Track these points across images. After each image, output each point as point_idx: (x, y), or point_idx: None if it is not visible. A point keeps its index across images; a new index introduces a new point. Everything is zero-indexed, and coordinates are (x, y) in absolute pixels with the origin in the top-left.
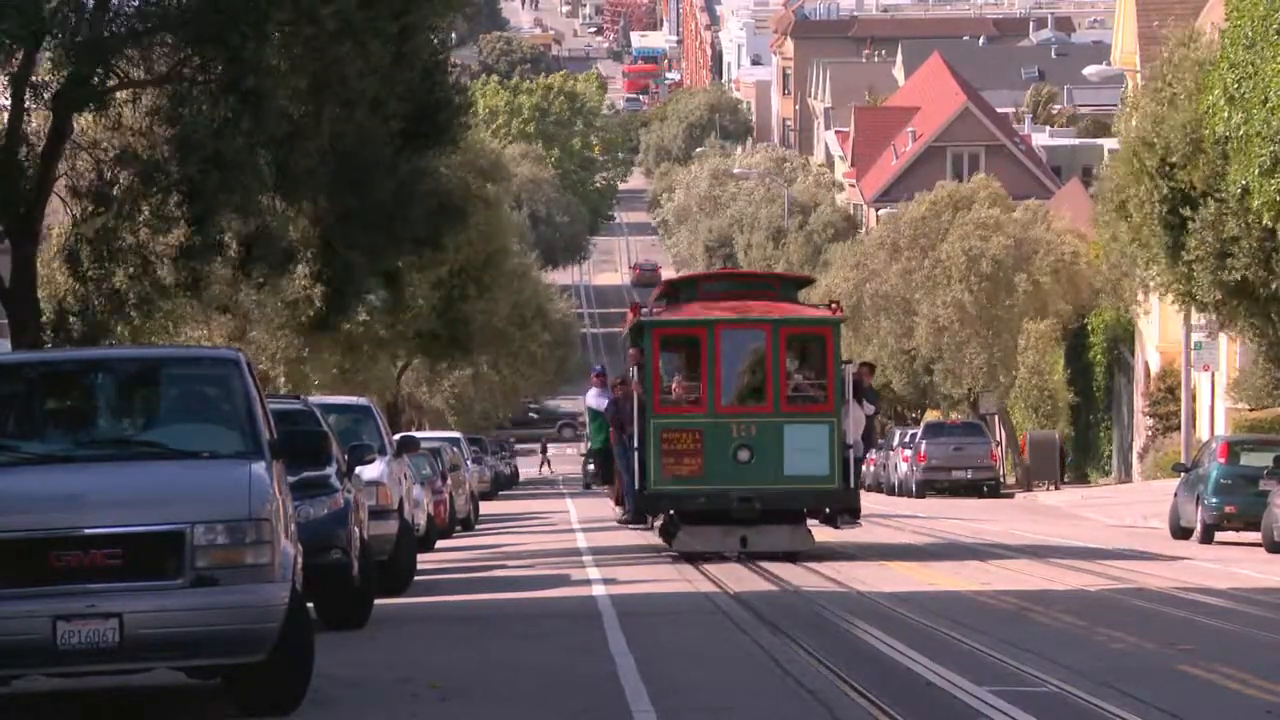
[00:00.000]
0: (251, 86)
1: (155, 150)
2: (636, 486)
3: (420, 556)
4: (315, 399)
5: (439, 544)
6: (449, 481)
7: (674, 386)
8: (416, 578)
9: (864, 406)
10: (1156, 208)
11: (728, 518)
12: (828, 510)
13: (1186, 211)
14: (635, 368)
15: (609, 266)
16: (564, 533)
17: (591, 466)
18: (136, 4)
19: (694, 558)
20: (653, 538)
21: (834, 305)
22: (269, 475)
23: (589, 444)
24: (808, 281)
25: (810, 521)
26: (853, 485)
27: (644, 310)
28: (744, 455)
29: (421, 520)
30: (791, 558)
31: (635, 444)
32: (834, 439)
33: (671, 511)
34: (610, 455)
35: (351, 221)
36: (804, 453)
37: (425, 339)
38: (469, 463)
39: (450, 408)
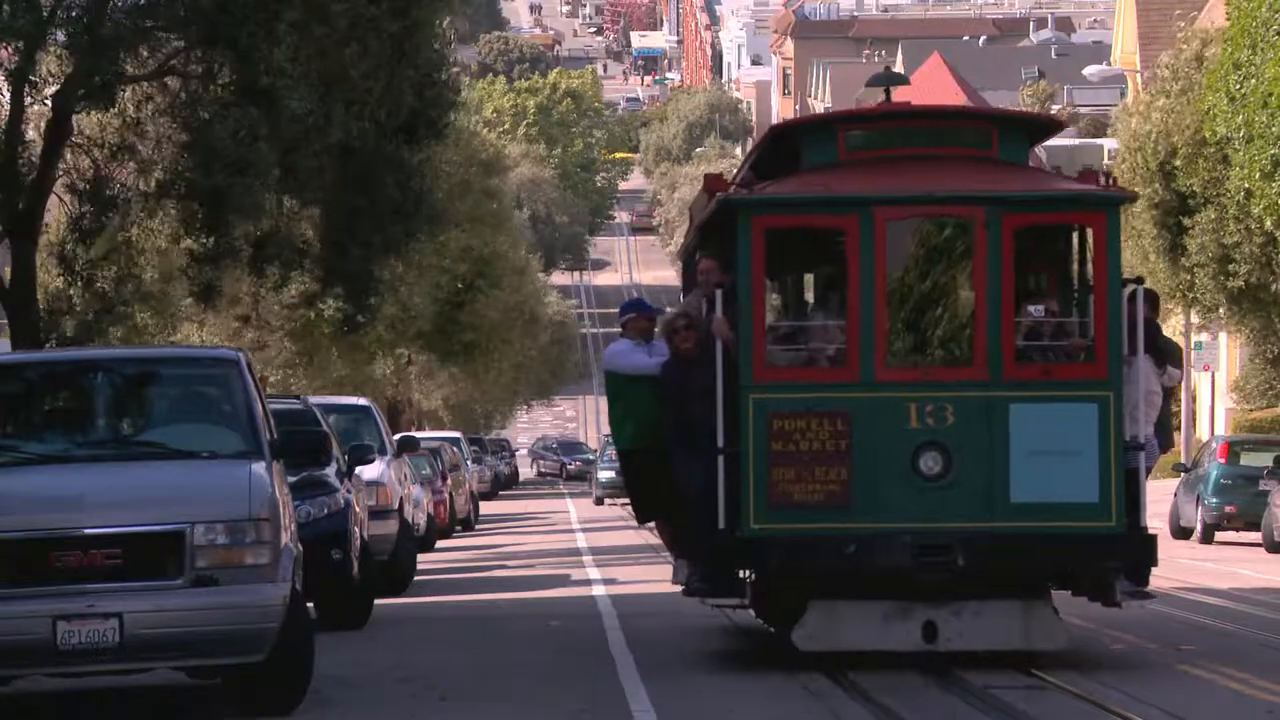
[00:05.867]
0: (265, 87)
1: (171, 156)
2: (720, 523)
3: (420, 556)
4: (315, 399)
5: (439, 544)
6: (449, 481)
7: (792, 331)
8: (416, 578)
9: (1164, 372)
10: (1154, 212)
11: (901, 585)
12: (1094, 571)
13: (1186, 221)
14: (713, 295)
15: (609, 266)
16: (564, 533)
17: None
18: (142, 1)
19: (837, 660)
20: (744, 620)
21: (1104, 175)
22: (269, 475)
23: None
24: (1051, 127)
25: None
26: (1141, 521)
27: (734, 186)
28: (931, 463)
29: (421, 520)
30: (1021, 662)
31: (716, 441)
32: (1109, 432)
33: (786, 571)
34: (659, 465)
35: (361, 218)
36: (1049, 459)
37: (427, 338)
38: (469, 463)
39: (448, 407)
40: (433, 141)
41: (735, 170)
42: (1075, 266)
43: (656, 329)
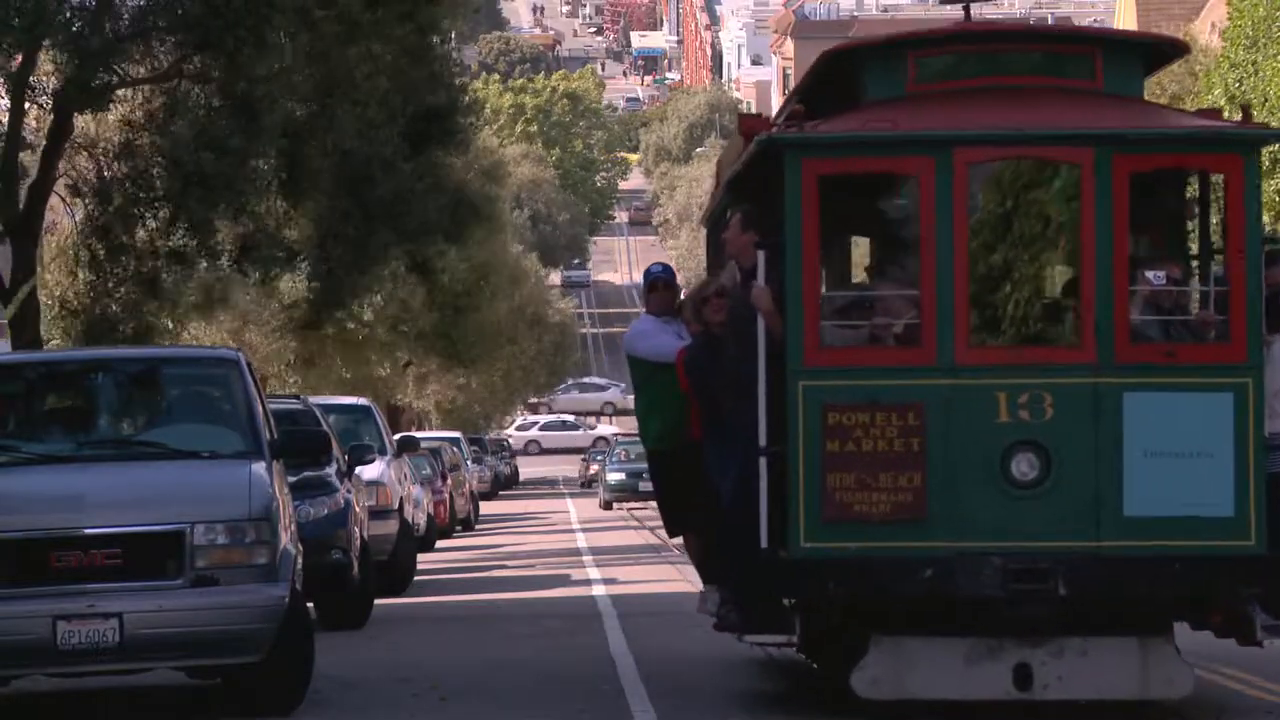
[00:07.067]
0: (244, 93)
1: (148, 159)
2: (762, 541)
3: (420, 556)
4: (315, 399)
5: (439, 544)
6: (449, 481)
7: (851, 303)
8: (416, 578)
9: None
10: None
11: (987, 618)
12: (1227, 600)
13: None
14: (747, 261)
15: (609, 266)
16: (564, 533)
17: (614, 476)
18: (140, 4)
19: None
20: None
21: (1241, 109)
22: (269, 475)
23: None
24: (1174, 50)
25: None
26: None
27: (778, 125)
28: (1025, 467)
29: (421, 520)
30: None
31: (758, 440)
32: (1246, 429)
33: (844, 600)
34: (692, 468)
35: (350, 219)
36: (1172, 462)
37: (427, 339)
38: (469, 463)
39: (438, 409)
40: (453, 149)
41: (777, 110)
42: (1199, 223)
43: (671, 300)
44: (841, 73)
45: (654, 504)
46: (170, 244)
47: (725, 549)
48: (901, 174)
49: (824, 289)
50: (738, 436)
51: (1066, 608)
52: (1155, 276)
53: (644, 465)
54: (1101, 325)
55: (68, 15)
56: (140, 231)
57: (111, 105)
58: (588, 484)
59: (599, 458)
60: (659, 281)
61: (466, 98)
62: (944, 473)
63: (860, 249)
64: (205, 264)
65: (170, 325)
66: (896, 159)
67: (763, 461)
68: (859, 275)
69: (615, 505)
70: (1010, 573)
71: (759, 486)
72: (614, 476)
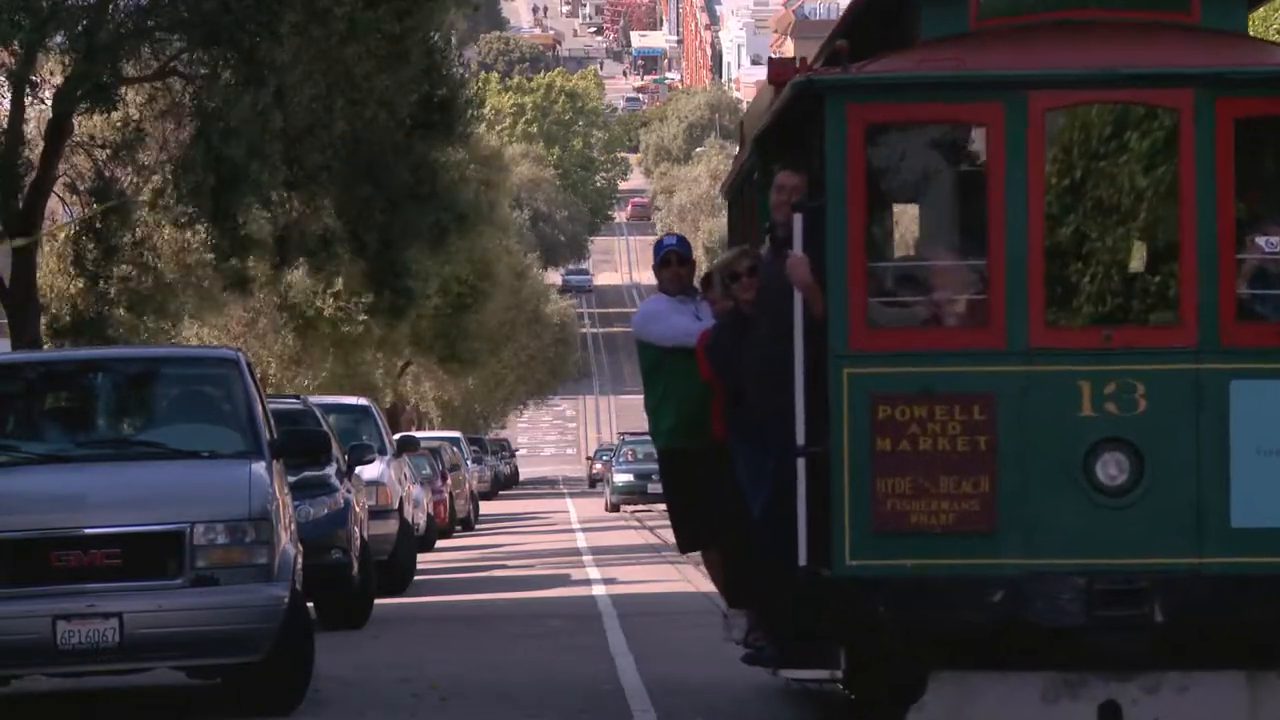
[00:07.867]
0: (277, 85)
1: (179, 147)
2: (800, 558)
3: (420, 556)
4: (315, 399)
5: (439, 544)
6: (449, 481)
7: (905, 275)
8: (416, 578)
9: None
10: None
11: (1068, 648)
12: None
13: None
14: (782, 227)
15: (609, 266)
16: (564, 533)
17: (621, 477)
18: (144, 2)
19: None
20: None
21: None
22: (269, 475)
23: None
24: None
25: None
26: None
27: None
28: (1113, 469)
29: (421, 520)
30: None
31: (794, 439)
32: None
33: (899, 627)
34: (711, 473)
35: (371, 209)
36: None
37: (425, 340)
38: (469, 463)
39: (448, 409)
40: (453, 141)
41: (816, 52)
42: None
43: (686, 276)
44: (891, 7)
45: (664, 508)
46: (208, 235)
47: (755, 567)
48: (966, 122)
49: (872, 259)
50: (770, 434)
51: (1162, 636)
52: (1269, 243)
53: (654, 465)
54: (1204, 301)
55: (72, 14)
56: (141, 227)
57: (119, 104)
58: (594, 484)
59: (605, 457)
60: (674, 255)
61: (467, 91)
62: (1017, 477)
63: (915, 212)
64: (237, 259)
65: (168, 327)
66: (960, 105)
67: (800, 464)
68: (913, 243)
69: (623, 508)
70: (1096, 595)
71: (796, 494)
72: (621, 478)
